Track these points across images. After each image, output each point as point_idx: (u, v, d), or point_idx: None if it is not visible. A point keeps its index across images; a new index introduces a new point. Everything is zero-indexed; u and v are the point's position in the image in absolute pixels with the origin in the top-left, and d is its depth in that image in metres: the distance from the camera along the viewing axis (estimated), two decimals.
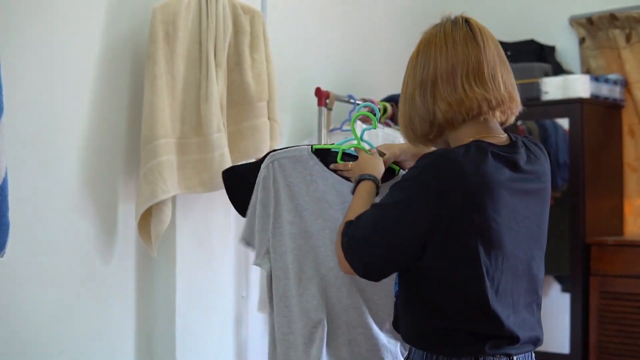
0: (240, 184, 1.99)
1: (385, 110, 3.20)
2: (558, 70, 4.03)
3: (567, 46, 4.16)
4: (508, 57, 1.67)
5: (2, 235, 1.85)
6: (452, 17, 1.64)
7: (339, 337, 1.91)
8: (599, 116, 3.88)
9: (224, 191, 2.07)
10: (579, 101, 3.73)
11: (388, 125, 3.20)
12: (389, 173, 1.88)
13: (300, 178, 1.91)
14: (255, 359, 2.91)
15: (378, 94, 3.49)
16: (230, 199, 2.03)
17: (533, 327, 1.60)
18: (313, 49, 3.36)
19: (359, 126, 2.84)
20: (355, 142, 1.93)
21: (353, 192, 1.76)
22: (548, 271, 1.67)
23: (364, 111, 2.44)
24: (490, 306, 1.50)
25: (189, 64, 2.50)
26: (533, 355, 1.63)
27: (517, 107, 1.64)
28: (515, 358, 1.56)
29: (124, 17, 2.48)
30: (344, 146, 1.93)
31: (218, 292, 2.79)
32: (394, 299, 1.72)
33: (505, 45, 2.17)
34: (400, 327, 1.66)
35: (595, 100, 3.79)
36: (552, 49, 4.12)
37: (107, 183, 2.45)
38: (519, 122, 3.77)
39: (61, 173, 2.30)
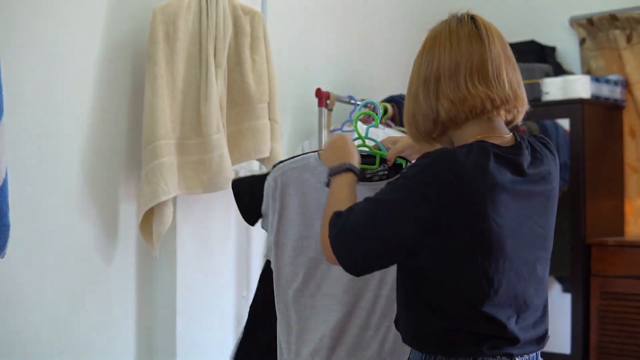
0: (249, 194, 1.98)
1: (385, 110, 3.20)
2: (558, 70, 4.02)
3: (567, 47, 4.15)
4: None
5: (3, 236, 1.85)
6: (459, 14, 1.62)
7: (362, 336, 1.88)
8: (600, 117, 3.88)
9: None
10: (580, 102, 3.72)
11: (389, 126, 3.20)
12: (397, 167, 1.87)
13: (312, 187, 1.87)
14: None
15: (378, 95, 3.49)
16: (239, 209, 2.02)
17: (538, 328, 1.59)
18: (313, 50, 3.36)
19: (361, 126, 2.83)
20: (359, 141, 1.92)
21: (328, 182, 1.71)
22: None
23: (366, 110, 2.43)
24: (490, 307, 1.49)
25: (189, 65, 2.50)
26: (539, 356, 1.61)
27: (524, 106, 1.63)
28: (517, 359, 1.55)
29: (125, 17, 2.48)
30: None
31: (218, 292, 2.79)
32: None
33: None
34: (400, 327, 1.65)
35: (595, 101, 3.79)
36: (552, 49, 4.12)
37: (108, 183, 2.45)
38: (520, 123, 3.76)
39: (62, 174, 2.31)
